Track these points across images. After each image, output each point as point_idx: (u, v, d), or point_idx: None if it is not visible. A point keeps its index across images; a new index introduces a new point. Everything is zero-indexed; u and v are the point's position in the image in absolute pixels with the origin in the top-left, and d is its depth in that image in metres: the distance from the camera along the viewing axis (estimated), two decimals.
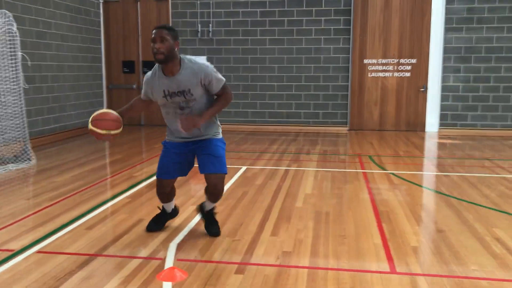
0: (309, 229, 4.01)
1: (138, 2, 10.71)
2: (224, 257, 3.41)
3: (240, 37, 10.51)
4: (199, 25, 10.52)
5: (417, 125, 10.18)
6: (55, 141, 8.71)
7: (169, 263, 3.29)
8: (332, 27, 10.22)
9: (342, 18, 10.16)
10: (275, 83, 10.53)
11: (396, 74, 10.12)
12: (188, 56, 3.51)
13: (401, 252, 3.54)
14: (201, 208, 3.94)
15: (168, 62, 3.34)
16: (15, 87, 6.48)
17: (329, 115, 10.48)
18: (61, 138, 9.02)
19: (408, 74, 10.09)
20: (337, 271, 3.19)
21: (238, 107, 10.67)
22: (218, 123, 3.77)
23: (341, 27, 10.19)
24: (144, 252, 3.48)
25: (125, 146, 8.26)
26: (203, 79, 3.40)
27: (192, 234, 3.88)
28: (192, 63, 3.43)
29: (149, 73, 3.53)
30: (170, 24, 10.54)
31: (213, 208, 3.90)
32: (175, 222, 4.13)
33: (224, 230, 3.96)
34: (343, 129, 10.35)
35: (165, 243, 3.65)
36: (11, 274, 3.11)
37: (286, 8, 10.31)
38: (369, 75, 10.22)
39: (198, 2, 10.53)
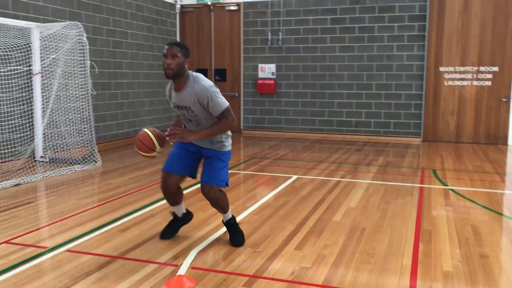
0: (337, 245, 3.84)
1: (212, 12, 11.01)
2: (238, 268, 3.37)
3: (310, 45, 10.40)
4: (270, 33, 10.58)
5: (498, 138, 9.40)
6: (127, 144, 9.18)
7: (182, 270, 3.32)
8: (405, 34, 9.78)
9: (416, 24, 9.69)
10: (344, 91, 10.29)
11: (475, 82, 9.44)
12: (196, 74, 3.52)
13: (428, 276, 3.27)
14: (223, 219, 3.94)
15: (176, 78, 3.43)
16: (84, 93, 6.92)
17: (401, 125, 10.02)
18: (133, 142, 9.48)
19: (488, 83, 9.36)
20: None
21: (306, 114, 10.56)
22: (226, 137, 3.70)
23: (416, 33, 9.71)
24: (163, 258, 3.54)
25: None
26: (200, 99, 3.41)
27: (217, 243, 3.88)
28: (195, 82, 3.44)
29: (169, 84, 3.67)
30: (242, 33, 10.74)
31: (231, 219, 3.88)
32: (202, 230, 4.16)
33: (250, 240, 3.92)
34: (416, 140, 9.84)
35: (187, 250, 3.69)
36: (35, 271, 3.31)
37: (357, 15, 10.04)
38: (445, 84, 9.63)
39: (269, 11, 10.59)
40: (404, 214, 4.72)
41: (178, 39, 11.25)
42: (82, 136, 7.09)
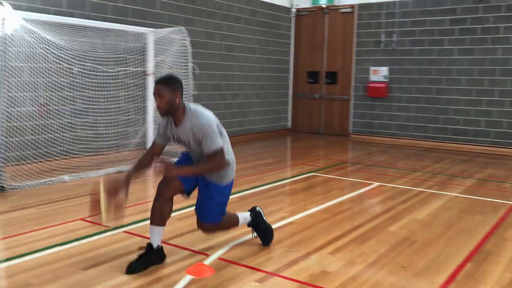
0: (374, 254, 3.72)
1: (326, 15, 11.04)
2: (260, 264, 3.48)
3: (426, 47, 9.87)
4: (383, 35, 10.27)
5: None
6: (238, 142, 9.66)
7: (209, 259, 3.53)
8: None
9: None
10: (462, 97, 9.55)
11: None
12: (194, 108, 3.34)
13: None
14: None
15: (170, 114, 3.31)
16: (185, 93, 7.52)
17: None
18: (242, 140, 9.97)
19: None
20: None
21: (418, 121, 10.04)
22: (226, 173, 3.47)
23: None
24: (199, 247, 3.79)
25: (286, 151, 8.70)
26: (196, 135, 3.28)
27: (257, 239, 3.99)
28: (193, 117, 3.28)
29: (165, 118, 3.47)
30: (355, 35, 10.60)
31: (251, 222, 3.86)
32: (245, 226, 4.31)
33: (289, 240, 3.99)
34: None
35: (224, 243, 3.89)
36: (91, 245, 3.81)
37: (480, 15, 9.26)
38: None
39: (384, 12, 10.29)
40: (472, 231, 4.35)
41: (292, 42, 11.50)
42: None
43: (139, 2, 7.91)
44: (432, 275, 3.35)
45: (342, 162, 7.82)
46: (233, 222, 3.72)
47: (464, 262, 3.61)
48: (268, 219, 4.48)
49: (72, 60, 6.70)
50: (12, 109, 6.26)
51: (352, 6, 10.66)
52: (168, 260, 3.51)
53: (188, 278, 3.22)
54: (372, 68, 10.48)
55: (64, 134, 6.86)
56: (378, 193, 5.70)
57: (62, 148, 6.79)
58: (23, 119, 6.41)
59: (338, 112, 11.11)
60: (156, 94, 3.24)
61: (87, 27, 6.95)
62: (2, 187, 5.33)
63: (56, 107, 6.81)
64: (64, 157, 6.78)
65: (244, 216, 3.82)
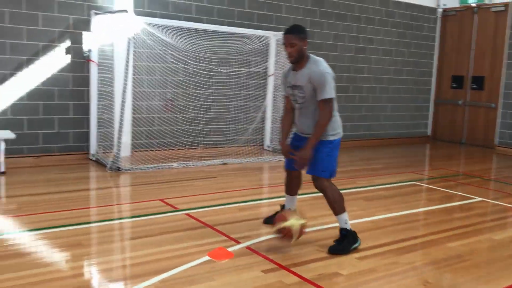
0: (404, 266, 3.51)
1: (475, 14, 10.11)
2: (279, 257, 3.56)
3: None
4: None
5: None
6: (362, 146, 9.54)
7: (236, 246, 3.76)
8: None
9: None
10: None
11: None
12: (317, 58, 3.70)
13: None
14: None
15: (299, 62, 3.69)
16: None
17: None
18: (370, 144, 9.78)
19: None
20: None
21: None
22: (332, 126, 3.71)
23: None
24: (236, 235, 4.02)
25: (406, 158, 8.30)
26: (312, 80, 3.57)
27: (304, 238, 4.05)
28: (314, 65, 3.63)
29: (287, 67, 3.91)
30: (507, 36, 9.58)
31: (343, 229, 3.78)
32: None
33: (329, 241, 3.92)
34: None
35: (262, 235, 4.05)
36: (161, 224, 4.33)
37: None
38: None
39: None
40: None
41: (437, 43, 10.79)
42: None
43: (265, 7, 8.38)
44: None
45: (458, 174, 7.17)
46: (337, 202, 3.77)
47: None
48: (323, 220, 4.51)
49: (197, 61, 7.48)
50: (142, 103, 7.28)
51: (506, 4, 9.57)
52: (200, 241, 3.84)
53: (204, 258, 3.50)
54: None
55: (185, 127, 7.69)
56: (470, 209, 5.18)
57: (177, 140, 7.61)
58: (150, 112, 7.40)
59: (483, 121, 10.08)
60: (288, 43, 3.61)
61: (213, 31, 7.66)
62: (118, 167, 6.27)
63: (181, 103, 7.66)
64: (180, 147, 7.59)
65: (346, 218, 3.81)
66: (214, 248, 3.70)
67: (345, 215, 3.80)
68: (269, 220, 4.20)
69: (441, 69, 10.83)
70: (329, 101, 3.59)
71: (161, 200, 5.04)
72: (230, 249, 3.68)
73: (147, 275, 3.17)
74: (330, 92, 3.58)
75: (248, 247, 3.77)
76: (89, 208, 4.75)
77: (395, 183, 6.34)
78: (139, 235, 3.98)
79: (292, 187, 4.12)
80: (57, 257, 3.49)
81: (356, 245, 3.80)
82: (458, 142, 10.51)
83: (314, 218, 4.46)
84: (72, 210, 4.55)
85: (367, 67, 9.80)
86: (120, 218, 4.50)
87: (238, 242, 3.87)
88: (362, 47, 9.67)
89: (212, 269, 3.32)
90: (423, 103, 10.89)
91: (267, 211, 4.77)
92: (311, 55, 3.72)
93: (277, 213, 4.11)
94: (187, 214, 4.59)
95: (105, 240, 3.91)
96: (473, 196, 5.71)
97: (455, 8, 10.48)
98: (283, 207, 4.22)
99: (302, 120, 3.82)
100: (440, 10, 10.62)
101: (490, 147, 9.87)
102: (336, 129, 3.77)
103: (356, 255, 3.70)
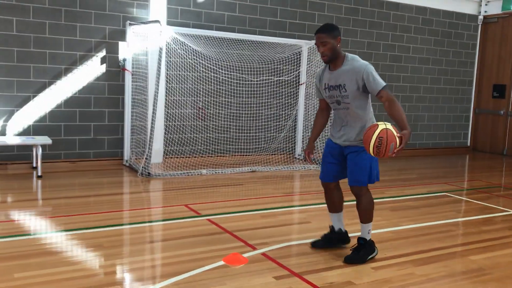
0: (419, 278, 3.43)
1: None
2: (293, 264, 3.57)
3: None
4: None
5: None
6: (397, 156, 9.36)
7: (252, 253, 3.79)
8: None
9: None
10: None
11: None
12: (353, 55, 3.62)
13: None
14: None
15: (333, 61, 3.59)
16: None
17: None
18: (404, 155, 9.57)
19: None
20: None
21: None
22: (364, 131, 3.56)
23: None
24: (253, 241, 4.06)
25: (442, 169, 8.09)
26: (358, 75, 3.47)
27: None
28: (353, 61, 3.56)
29: (321, 68, 3.81)
30: None
31: (361, 239, 3.74)
32: (312, 232, 4.34)
33: (347, 250, 3.91)
34: None
35: (279, 242, 4.06)
36: (181, 229, 4.44)
37: None
38: None
39: None
40: None
41: (477, 51, 10.49)
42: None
43: (297, 16, 8.42)
44: None
45: (494, 186, 6.93)
46: (368, 211, 3.70)
47: None
48: (346, 229, 4.44)
49: (228, 70, 7.60)
50: (174, 111, 7.46)
51: None
52: (217, 246, 3.90)
53: (219, 263, 3.55)
54: None
55: (215, 135, 7.81)
56: (500, 222, 5.00)
57: (207, 147, 7.73)
58: (182, 119, 7.56)
59: None
60: (319, 43, 3.52)
61: (245, 40, 7.77)
62: (149, 173, 6.44)
63: (212, 111, 7.79)
64: (210, 155, 7.71)
65: (370, 228, 3.76)
66: (230, 253, 3.75)
67: (370, 225, 3.74)
68: (318, 244, 3.94)
69: (482, 78, 10.51)
70: (386, 88, 3.43)
71: (186, 205, 5.14)
72: (245, 255, 3.71)
73: (161, 278, 3.25)
74: (381, 80, 3.48)
75: (263, 253, 3.79)
76: (115, 211, 4.91)
77: (425, 193, 6.20)
78: (159, 239, 4.08)
79: (334, 202, 3.89)
80: (76, 257, 3.63)
81: (374, 254, 3.76)
82: (499, 153, 10.15)
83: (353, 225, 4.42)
84: (97, 213, 4.72)
85: (402, 75, 9.64)
86: (143, 222, 4.63)
87: (255, 248, 3.90)
88: (398, 56, 9.53)
89: (224, 274, 3.36)
90: (463, 112, 10.59)
91: (289, 219, 4.79)
92: (346, 53, 3.62)
93: (325, 235, 3.96)
94: (208, 219, 4.67)
95: (125, 242, 4.04)
96: (507, 209, 5.51)
97: (496, 14, 10.17)
98: (332, 228, 3.97)
99: (344, 126, 3.67)
100: (481, 17, 10.33)
101: None
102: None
103: (373, 264, 3.65)
